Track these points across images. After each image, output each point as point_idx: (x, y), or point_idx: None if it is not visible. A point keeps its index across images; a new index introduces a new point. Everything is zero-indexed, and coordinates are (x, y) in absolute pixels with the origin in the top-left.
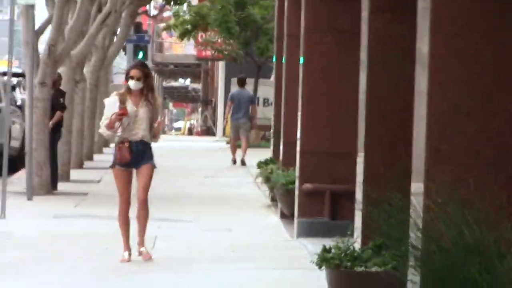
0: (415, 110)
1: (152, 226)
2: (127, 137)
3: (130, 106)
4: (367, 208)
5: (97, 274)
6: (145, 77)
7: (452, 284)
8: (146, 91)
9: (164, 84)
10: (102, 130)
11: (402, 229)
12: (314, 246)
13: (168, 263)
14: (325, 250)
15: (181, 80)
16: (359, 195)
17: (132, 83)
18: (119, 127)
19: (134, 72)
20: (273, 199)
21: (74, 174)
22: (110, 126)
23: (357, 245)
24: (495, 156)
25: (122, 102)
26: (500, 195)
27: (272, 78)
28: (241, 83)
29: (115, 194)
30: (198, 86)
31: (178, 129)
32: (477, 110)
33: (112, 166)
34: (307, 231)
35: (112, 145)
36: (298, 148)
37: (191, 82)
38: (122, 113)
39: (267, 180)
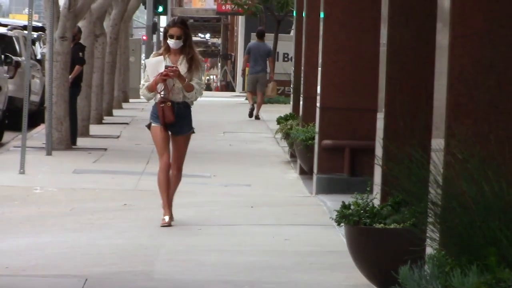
0: (436, 65)
1: None
2: (168, 97)
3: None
4: (387, 164)
5: (114, 229)
6: (186, 35)
7: (471, 240)
8: (187, 50)
9: None
10: (143, 92)
11: (422, 185)
12: (333, 202)
13: (188, 219)
14: (344, 206)
15: (200, 35)
16: (379, 151)
17: (172, 42)
18: (162, 89)
19: (174, 31)
20: (292, 155)
21: (94, 129)
22: (152, 88)
23: (376, 202)
24: None
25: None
26: None
27: (292, 33)
28: (260, 35)
29: (134, 149)
30: (218, 41)
31: None
32: (498, 64)
33: (149, 125)
34: (326, 188)
35: (132, 100)
36: (318, 104)
37: (211, 37)
38: (166, 74)
39: (286, 136)
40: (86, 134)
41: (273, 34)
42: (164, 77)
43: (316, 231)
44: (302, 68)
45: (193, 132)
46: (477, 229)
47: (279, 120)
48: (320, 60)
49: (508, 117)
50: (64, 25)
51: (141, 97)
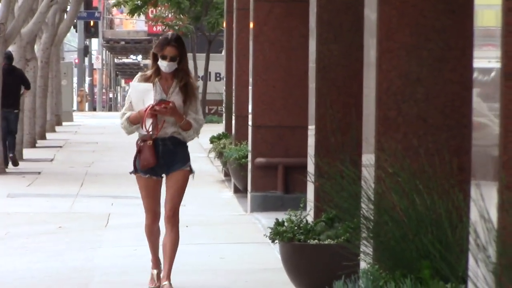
0: (364, 80)
1: (106, 203)
2: (155, 135)
3: (158, 93)
4: (319, 180)
5: (49, 252)
6: (181, 56)
7: (404, 254)
8: (181, 74)
9: (116, 60)
10: (123, 123)
11: (354, 201)
12: (267, 220)
13: (123, 238)
14: (278, 223)
15: (132, 57)
16: (311, 167)
17: (164, 65)
18: (150, 127)
19: (168, 51)
20: (226, 174)
21: (27, 153)
22: (136, 121)
23: (310, 218)
24: (446, 124)
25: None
26: (451, 163)
27: (223, 52)
28: None
29: (68, 172)
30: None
31: None
32: (426, 77)
33: (134, 172)
34: (261, 205)
35: (65, 123)
36: (250, 122)
37: (143, 58)
38: (160, 111)
39: (220, 155)
40: (19, 158)
41: (204, 54)
42: (155, 113)
43: (251, 249)
44: (233, 87)
45: (192, 172)
46: (409, 242)
47: (212, 139)
48: (250, 79)
49: (437, 131)
50: None
51: (122, 128)
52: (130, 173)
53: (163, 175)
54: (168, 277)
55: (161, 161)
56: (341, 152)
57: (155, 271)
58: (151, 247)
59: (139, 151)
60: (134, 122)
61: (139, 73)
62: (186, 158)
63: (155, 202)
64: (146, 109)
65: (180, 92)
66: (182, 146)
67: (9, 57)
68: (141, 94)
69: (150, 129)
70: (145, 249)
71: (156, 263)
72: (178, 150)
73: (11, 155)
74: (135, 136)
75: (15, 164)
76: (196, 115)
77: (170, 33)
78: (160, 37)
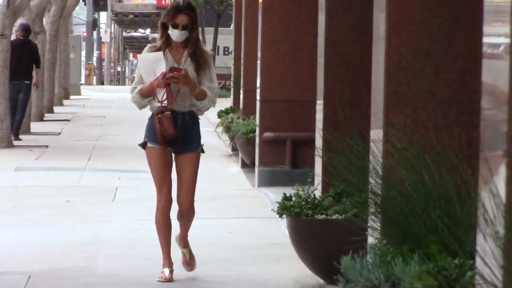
0: (373, 54)
1: (113, 177)
2: (170, 106)
3: (170, 63)
4: (327, 155)
5: (57, 226)
6: (193, 24)
7: (412, 229)
8: (192, 44)
9: (124, 34)
10: (134, 97)
11: (362, 175)
12: (275, 194)
13: (130, 214)
14: (286, 198)
15: (141, 30)
16: (319, 142)
17: (176, 33)
18: (163, 97)
19: (181, 19)
20: (234, 149)
21: (35, 126)
22: (149, 94)
23: (318, 193)
24: (455, 98)
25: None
26: (460, 138)
27: (232, 26)
28: None
29: (75, 146)
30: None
31: None
32: (436, 52)
33: (143, 145)
34: (269, 180)
35: (73, 96)
36: (258, 97)
37: (151, 32)
38: (173, 77)
39: (227, 129)
40: (27, 131)
41: (213, 28)
42: (167, 81)
43: (259, 223)
44: (242, 61)
45: (203, 152)
46: (418, 217)
47: (220, 114)
48: (259, 53)
49: (446, 105)
50: (3, 22)
51: (133, 103)
52: (140, 145)
53: (174, 154)
54: (184, 242)
55: (179, 135)
56: (349, 127)
57: (167, 270)
58: (162, 241)
59: (158, 123)
60: (146, 95)
61: (148, 45)
62: (199, 138)
63: (167, 177)
64: (158, 78)
65: (192, 62)
66: (198, 123)
67: (26, 29)
68: (151, 65)
69: (164, 99)
70: (153, 223)
71: (168, 260)
72: (194, 127)
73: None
74: (143, 111)
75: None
76: (211, 83)
77: (180, 0)
78: (170, 5)
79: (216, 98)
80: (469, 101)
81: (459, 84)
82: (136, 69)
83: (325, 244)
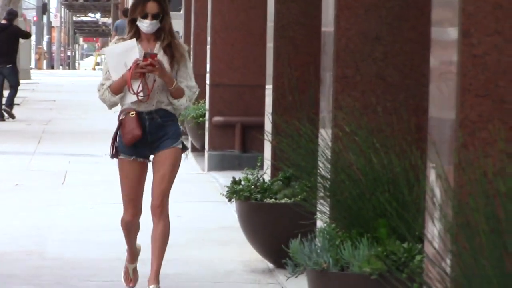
0: (322, 37)
1: (63, 161)
2: (134, 106)
3: (140, 56)
4: (276, 139)
5: (6, 210)
6: (164, 13)
7: (361, 213)
8: (166, 35)
9: (74, 19)
10: (103, 95)
11: (311, 159)
12: (225, 179)
13: (80, 198)
14: (235, 182)
15: (90, 15)
16: (268, 126)
17: (145, 24)
18: (139, 88)
19: (150, 7)
20: (183, 133)
21: None
22: (120, 89)
23: (267, 177)
24: (404, 82)
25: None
26: (408, 122)
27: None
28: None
29: (25, 129)
30: (109, 20)
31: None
32: (385, 36)
33: (114, 154)
34: (218, 164)
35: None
36: (207, 81)
37: (101, 16)
38: (150, 64)
39: None
40: None
41: None
42: (142, 71)
43: (209, 207)
44: (191, 45)
45: (186, 149)
46: (366, 201)
47: None
48: (208, 38)
49: (395, 89)
50: None
51: (102, 101)
52: (111, 156)
53: (150, 158)
54: (156, 279)
55: (148, 138)
56: (298, 111)
57: (131, 266)
58: (128, 242)
59: (120, 125)
60: (117, 91)
61: (114, 38)
62: (177, 133)
63: (138, 193)
64: (131, 68)
65: (165, 55)
66: (172, 119)
67: (9, 13)
68: (120, 57)
69: (140, 90)
70: (103, 207)
71: (132, 257)
72: (168, 124)
73: (7, 109)
74: (93, 95)
75: (12, 117)
76: (189, 82)
77: None
78: None
79: (194, 98)
80: (418, 85)
81: (408, 68)
82: (102, 66)
83: (274, 228)
